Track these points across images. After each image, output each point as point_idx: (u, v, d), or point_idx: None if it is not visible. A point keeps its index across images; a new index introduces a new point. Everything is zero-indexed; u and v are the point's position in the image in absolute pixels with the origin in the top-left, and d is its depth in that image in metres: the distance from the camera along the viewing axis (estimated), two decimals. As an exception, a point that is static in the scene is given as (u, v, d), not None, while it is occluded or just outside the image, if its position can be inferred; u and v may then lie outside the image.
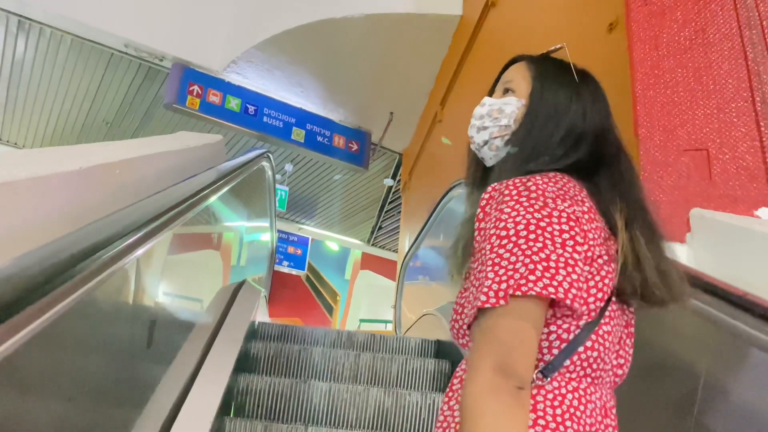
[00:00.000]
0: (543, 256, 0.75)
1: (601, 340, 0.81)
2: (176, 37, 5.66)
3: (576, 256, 0.77)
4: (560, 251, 0.76)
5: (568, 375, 0.79)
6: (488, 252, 0.79)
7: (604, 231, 0.85)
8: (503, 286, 0.74)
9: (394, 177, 7.61)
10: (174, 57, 5.66)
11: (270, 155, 3.25)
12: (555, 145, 0.92)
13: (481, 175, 1.04)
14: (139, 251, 1.27)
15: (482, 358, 0.73)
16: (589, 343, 0.80)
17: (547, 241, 0.76)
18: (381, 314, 11.09)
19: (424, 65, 5.52)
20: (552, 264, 0.75)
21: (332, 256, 13.23)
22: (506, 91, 1.02)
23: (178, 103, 5.61)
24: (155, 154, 2.01)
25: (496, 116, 0.99)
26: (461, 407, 0.72)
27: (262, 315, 3.35)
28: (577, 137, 0.93)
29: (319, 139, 6.30)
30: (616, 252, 0.85)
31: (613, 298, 0.84)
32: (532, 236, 0.76)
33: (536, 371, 0.78)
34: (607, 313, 0.82)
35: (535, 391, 0.77)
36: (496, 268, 0.76)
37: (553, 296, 0.74)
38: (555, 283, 0.74)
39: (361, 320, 10.93)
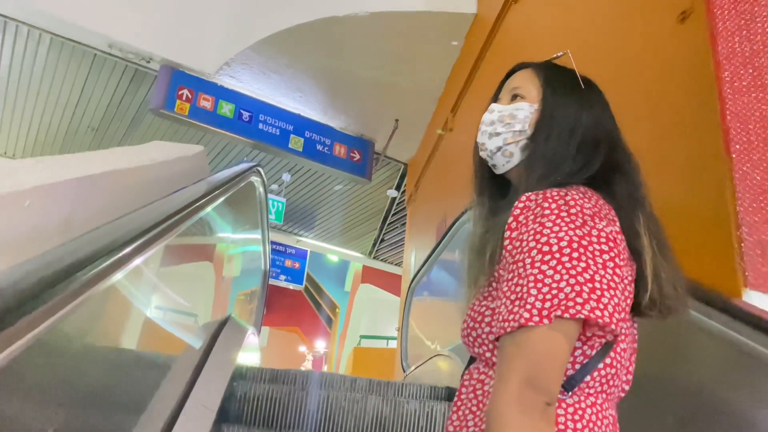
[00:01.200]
0: (588, 276, 0.75)
1: (619, 358, 0.82)
2: (165, 37, 5.22)
3: (616, 279, 0.77)
4: (602, 272, 0.76)
5: (587, 391, 0.80)
6: (528, 266, 0.77)
7: (627, 249, 0.84)
8: (547, 305, 0.73)
9: (398, 188, 7.16)
10: (162, 58, 5.22)
11: (260, 170, 2.80)
12: (573, 152, 0.90)
13: (489, 182, 1.03)
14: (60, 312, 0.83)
15: (514, 370, 0.73)
16: (608, 360, 0.81)
17: (590, 261, 0.76)
18: (383, 330, 10.62)
19: (433, 69, 5.08)
20: (597, 285, 0.75)
21: (332, 267, 12.78)
22: (515, 97, 0.99)
23: (165, 108, 5.17)
24: (107, 173, 1.55)
25: (508, 122, 0.97)
26: (487, 417, 0.73)
27: (250, 353, 2.89)
28: (594, 145, 0.92)
29: (319, 147, 5.86)
30: (636, 269, 0.85)
31: (627, 315, 0.84)
32: (575, 254, 0.75)
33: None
34: (623, 331, 0.82)
35: (557, 407, 0.78)
36: (539, 285, 0.75)
37: (599, 320, 0.73)
38: (601, 306, 0.74)
39: (362, 336, 10.44)
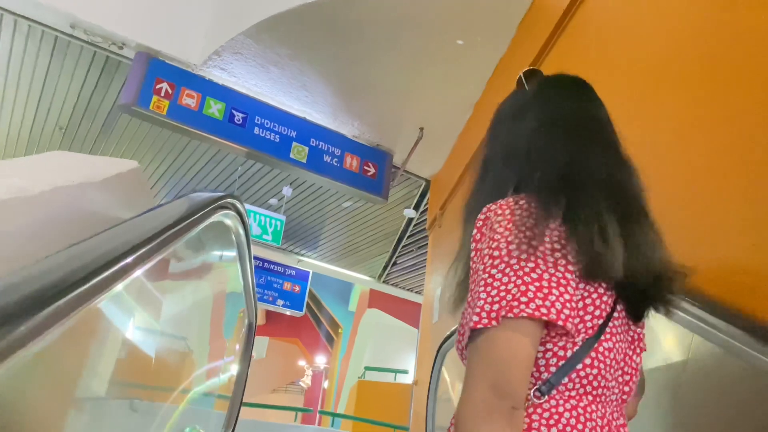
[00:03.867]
0: (535, 276, 0.76)
1: (602, 357, 0.80)
2: (140, 18, 4.24)
3: (568, 276, 0.78)
4: (552, 270, 0.77)
5: (567, 393, 0.79)
6: (481, 272, 0.80)
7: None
8: (495, 307, 0.75)
9: (416, 207, 6.14)
10: (137, 44, 4.24)
11: (235, 202, 1.78)
12: (506, 168, 0.96)
13: None
14: None
15: (475, 378, 0.73)
16: (588, 361, 0.79)
17: (539, 261, 0.77)
18: (391, 361, 9.56)
19: (471, 67, 4.07)
20: (545, 284, 0.76)
21: (335, 284, 11.72)
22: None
23: (138, 104, 4.17)
24: None
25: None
26: (455, 426, 0.73)
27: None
28: (522, 155, 0.95)
29: (327, 159, 4.85)
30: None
31: (615, 314, 0.83)
32: (524, 255, 0.77)
33: (534, 390, 0.78)
34: (607, 330, 0.81)
35: (531, 410, 0.77)
36: (489, 288, 0.77)
37: (545, 318, 0.74)
38: (548, 304, 0.74)
39: (367, 368, 9.38)
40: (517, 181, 0.91)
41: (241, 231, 2.03)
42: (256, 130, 4.59)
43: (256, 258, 7.67)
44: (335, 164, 4.87)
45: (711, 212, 1.47)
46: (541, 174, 0.88)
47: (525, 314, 0.73)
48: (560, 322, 0.75)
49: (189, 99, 4.39)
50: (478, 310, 0.76)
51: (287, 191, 6.01)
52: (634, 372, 0.86)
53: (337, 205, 6.42)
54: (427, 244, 6.90)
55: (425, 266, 7.83)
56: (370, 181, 5.00)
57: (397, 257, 7.45)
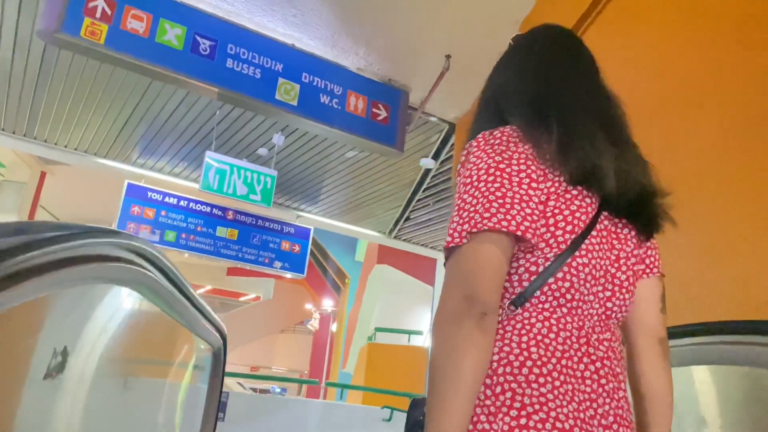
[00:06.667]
0: (499, 195, 0.82)
1: (574, 272, 0.84)
2: None
3: (531, 192, 0.83)
4: (516, 189, 0.82)
5: (540, 305, 0.83)
6: (456, 199, 0.86)
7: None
8: (465, 226, 0.81)
9: (436, 157, 5.06)
10: (58, -56, 3.06)
11: (133, 243, 0.76)
12: (490, 106, 1.04)
13: None
14: None
15: (448, 289, 0.80)
16: (560, 275, 0.83)
17: (505, 181, 0.83)
18: (403, 320, 8.75)
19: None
20: (507, 201, 0.81)
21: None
22: None
23: (64, 30, 3.05)
24: None
25: None
26: (432, 334, 0.80)
27: None
28: (509, 95, 1.01)
29: (324, 99, 3.74)
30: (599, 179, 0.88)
31: (594, 232, 0.87)
32: (491, 178, 0.83)
33: (508, 303, 0.83)
34: (583, 246, 0.85)
35: (506, 321, 0.83)
36: (461, 211, 0.83)
37: (504, 229, 0.80)
38: (509, 217, 0.80)
39: (377, 329, 8.55)
40: (505, 114, 0.95)
41: (153, 273, 1.03)
42: (229, 63, 3.47)
43: (247, 214, 6.68)
44: (335, 107, 3.76)
45: None
46: (531, 100, 0.94)
47: (486, 227, 0.80)
48: (519, 233, 0.80)
49: (136, 22, 3.25)
50: (450, 231, 0.83)
51: (278, 139, 4.93)
52: (618, 288, 0.89)
53: (341, 155, 5.35)
54: (447, 196, 5.88)
55: (444, 220, 6.84)
56: (380, 128, 3.91)
57: (410, 212, 6.44)
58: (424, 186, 5.73)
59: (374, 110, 3.89)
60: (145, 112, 4.85)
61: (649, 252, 0.97)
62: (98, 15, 3.14)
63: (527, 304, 0.82)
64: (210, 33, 3.44)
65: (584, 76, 1.00)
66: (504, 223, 0.79)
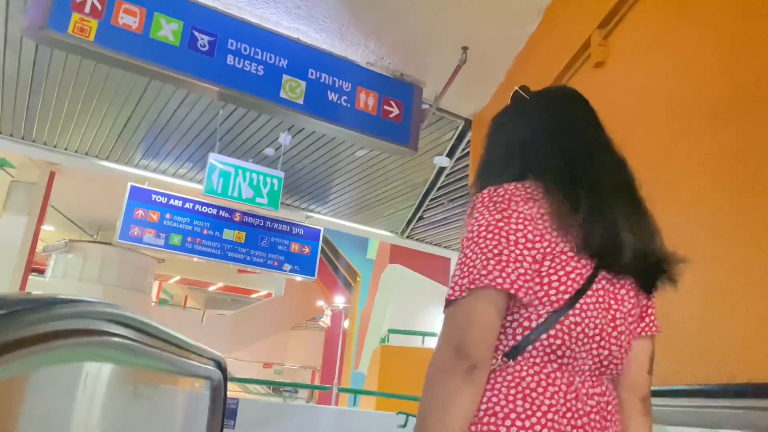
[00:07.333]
0: (496, 252, 0.86)
1: (566, 330, 0.87)
2: None
3: (526, 252, 0.87)
4: (512, 248, 0.86)
5: (531, 360, 0.86)
6: (460, 254, 0.91)
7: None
8: (465, 281, 0.86)
9: (451, 154, 4.80)
10: (42, -66, 2.83)
11: (112, 311, 0.55)
12: (503, 161, 1.08)
13: None
14: None
15: (443, 340, 0.85)
16: (552, 332, 0.86)
17: (503, 239, 0.87)
18: (416, 321, 8.51)
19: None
20: (504, 259, 0.85)
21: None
22: None
23: (50, 26, 2.83)
24: None
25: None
26: (424, 382, 0.85)
27: None
28: (518, 150, 1.05)
29: (332, 97, 3.49)
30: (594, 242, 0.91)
31: (590, 292, 0.89)
32: (490, 236, 0.88)
33: (501, 355, 0.87)
34: (578, 305, 0.88)
35: (498, 373, 0.86)
36: (462, 266, 0.89)
37: (498, 287, 0.84)
38: (504, 275, 0.84)
39: (391, 331, 8.32)
40: (528, 171, 0.97)
41: (138, 336, 0.81)
42: (230, 60, 3.23)
43: (255, 216, 6.46)
44: (344, 104, 3.51)
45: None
46: (562, 165, 0.97)
47: (482, 284, 0.84)
48: (512, 291, 0.84)
49: (128, 17, 3.01)
50: (452, 284, 0.88)
51: (285, 139, 4.69)
52: (613, 347, 0.91)
53: (351, 153, 5.10)
54: (462, 195, 5.62)
55: (459, 219, 6.57)
56: (392, 126, 3.65)
57: (424, 211, 6.19)
58: (438, 185, 5.47)
59: (386, 107, 3.64)
60: (146, 113, 4.63)
61: (648, 310, 1.00)
62: (87, 10, 2.91)
63: (519, 358, 0.86)
64: (208, 28, 3.20)
65: (607, 144, 1.03)
66: (499, 281, 0.84)
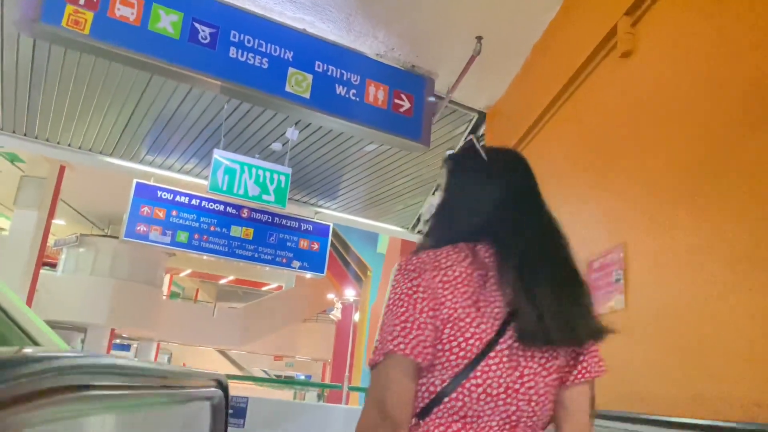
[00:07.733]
0: (403, 319, 0.92)
1: (467, 392, 0.91)
2: None
3: (428, 320, 0.92)
4: (416, 315, 0.92)
5: (437, 420, 0.93)
6: (381, 319, 0.97)
7: (484, 292, 0.95)
8: (381, 346, 0.92)
9: (464, 148, 4.63)
10: None
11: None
12: (445, 222, 1.11)
13: None
14: None
15: (368, 401, 0.92)
16: (454, 395, 0.91)
17: (410, 307, 0.93)
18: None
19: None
20: (408, 326, 0.91)
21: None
22: (437, 188, 1.15)
23: (43, 19, 2.70)
24: None
25: (428, 213, 1.15)
26: None
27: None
28: (461, 212, 1.09)
29: (340, 90, 3.34)
30: (504, 306, 0.94)
31: (493, 353, 0.92)
32: (400, 303, 0.94)
33: (414, 416, 0.93)
34: (479, 368, 0.91)
35: (412, 431, 0.93)
36: (380, 332, 0.94)
37: (400, 353, 0.90)
38: (406, 341, 0.90)
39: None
40: (462, 233, 1.02)
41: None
42: (233, 52, 3.08)
43: (263, 212, 6.33)
44: (353, 98, 3.36)
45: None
46: (495, 232, 1.01)
47: (389, 350, 0.90)
48: (412, 357, 0.90)
49: (125, 8, 2.88)
50: (374, 348, 0.94)
51: (292, 134, 4.55)
52: (523, 402, 0.94)
53: (360, 148, 4.95)
54: (474, 190, 5.46)
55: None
56: (403, 121, 3.49)
57: (435, 206, 6.03)
58: (451, 179, 5.30)
59: (396, 101, 3.47)
60: (149, 108, 4.50)
61: (581, 357, 1.00)
62: (82, 1, 2.78)
63: (427, 418, 0.93)
64: (210, 19, 3.05)
65: (544, 216, 1.06)
66: (402, 347, 0.90)
